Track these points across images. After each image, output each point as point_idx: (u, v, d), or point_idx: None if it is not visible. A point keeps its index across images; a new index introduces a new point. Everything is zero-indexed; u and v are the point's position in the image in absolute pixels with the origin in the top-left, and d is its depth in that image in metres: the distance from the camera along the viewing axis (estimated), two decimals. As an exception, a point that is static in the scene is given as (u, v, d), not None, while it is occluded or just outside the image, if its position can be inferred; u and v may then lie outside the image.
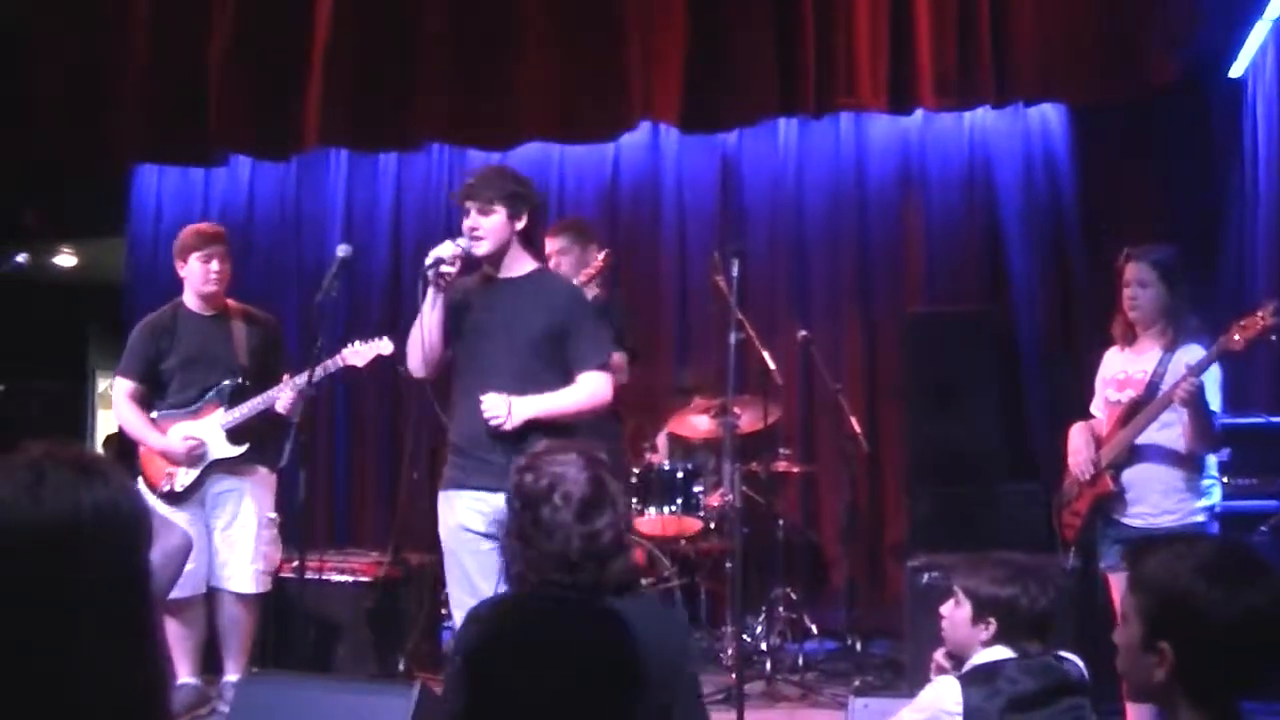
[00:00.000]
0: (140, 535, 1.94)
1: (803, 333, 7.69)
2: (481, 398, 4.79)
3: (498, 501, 4.33)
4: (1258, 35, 7.38)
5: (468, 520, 4.82)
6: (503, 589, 3.57)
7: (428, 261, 4.89)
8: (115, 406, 6.30)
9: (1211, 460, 5.29)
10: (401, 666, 6.73)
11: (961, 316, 8.00)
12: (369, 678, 6.42)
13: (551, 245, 6.40)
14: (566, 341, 4.91)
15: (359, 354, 6.09)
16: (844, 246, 8.78)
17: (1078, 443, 5.47)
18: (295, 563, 5.96)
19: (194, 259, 6.20)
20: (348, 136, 8.85)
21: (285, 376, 6.08)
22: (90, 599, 1.83)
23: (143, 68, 8.67)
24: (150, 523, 1.99)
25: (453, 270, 4.90)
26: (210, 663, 6.34)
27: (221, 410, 6.13)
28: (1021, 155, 8.51)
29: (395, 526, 7.55)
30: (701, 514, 7.53)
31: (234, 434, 6.11)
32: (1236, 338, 4.96)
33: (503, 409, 4.77)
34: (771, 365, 7.15)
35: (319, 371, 5.91)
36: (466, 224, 4.96)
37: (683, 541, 7.61)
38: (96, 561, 1.85)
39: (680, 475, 7.60)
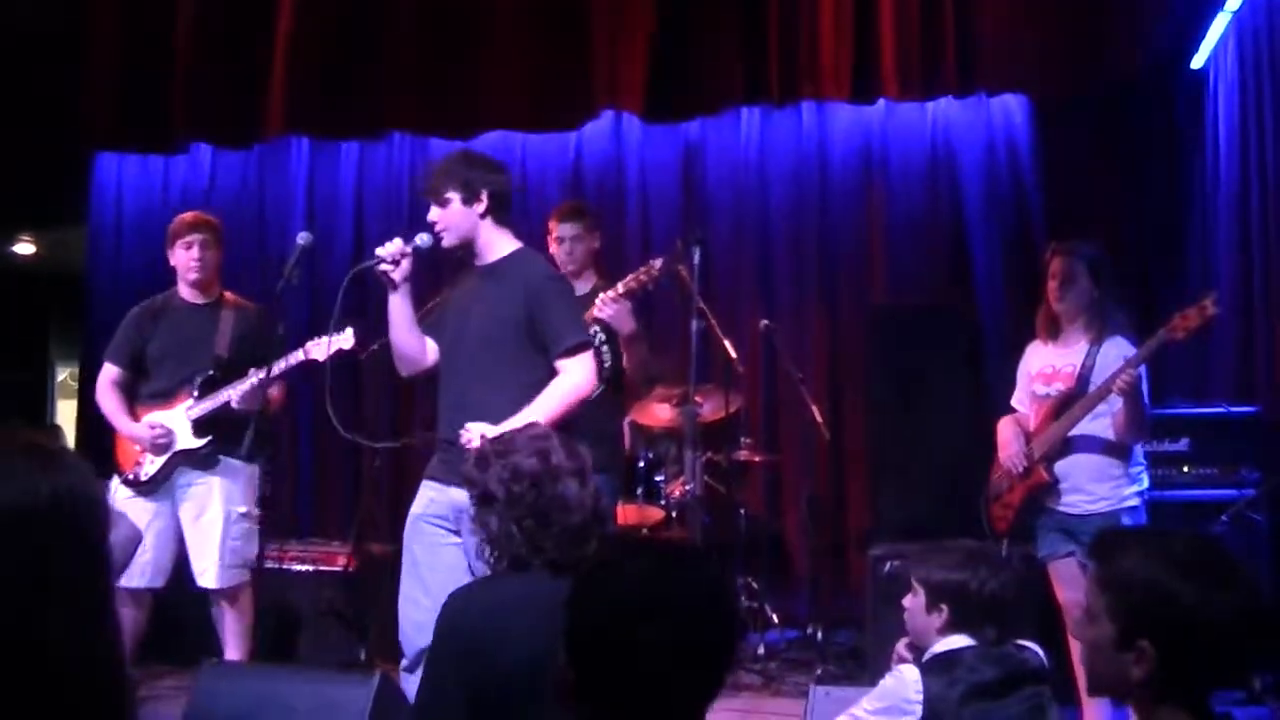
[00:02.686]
0: (98, 520, 1.93)
1: (765, 322, 7.68)
2: (463, 430, 4.55)
3: (455, 495, 4.30)
4: (1218, 27, 7.43)
5: (426, 510, 4.73)
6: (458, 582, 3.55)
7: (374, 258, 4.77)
8: (97, 390, 6.22)
9: (1138, 448, 5.38)
10: (363, 656, 6.71)
11: (924, 308, 7.99)
12: (330, 667, 6.39)
13: (565, 230, 5.99)
14: (535, 326, 4.69)
15: (320, 346, 6.01)
16: (807, 236, 8.77)
17: (1007, 436, 5.54)
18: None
19: (177, 246, 6.14)
20: (311, 124, 8.81)
21: (250, 371, 5.94)
22: (52, 584, 1.82)
23: (107, 55, 8.60)
24: (108, 508, 1.98)
25: (393, 269, 4.73)
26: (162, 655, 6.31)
27: (191, 401, 6.07)
28: (984, 145, 8.51)
29: (357, 517, 7.53)
30: (663, 503, 7.52)
31: (200, 426, 6.00)
32: (1178, 329, 5.00)
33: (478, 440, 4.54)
34: (733, 354, 7.14)
35: (281, 364, 5.85)
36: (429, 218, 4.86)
37: (644, 530, 7.61)
38: (57, 547, 1.84)
39: (642, 464, 7.58)
